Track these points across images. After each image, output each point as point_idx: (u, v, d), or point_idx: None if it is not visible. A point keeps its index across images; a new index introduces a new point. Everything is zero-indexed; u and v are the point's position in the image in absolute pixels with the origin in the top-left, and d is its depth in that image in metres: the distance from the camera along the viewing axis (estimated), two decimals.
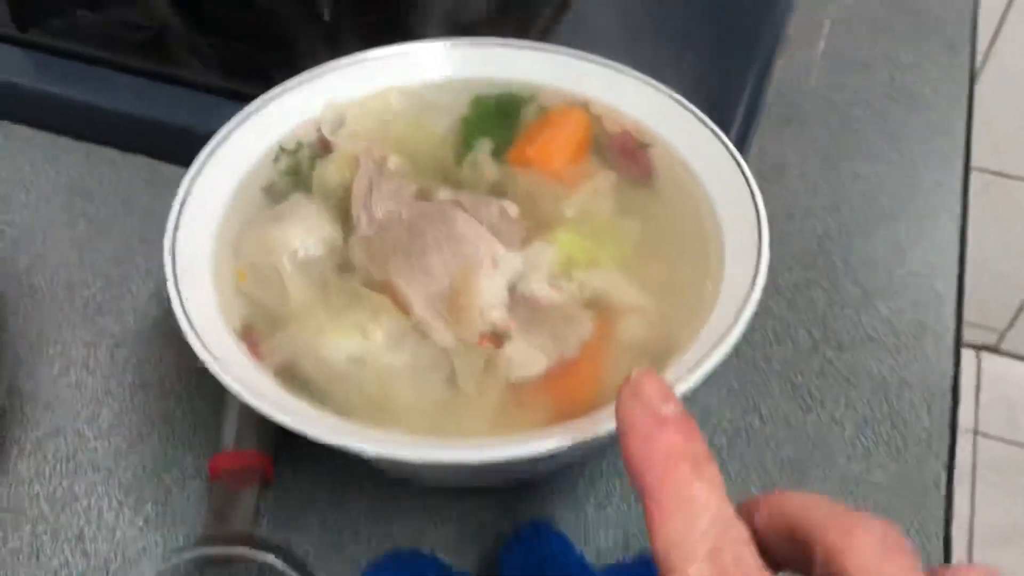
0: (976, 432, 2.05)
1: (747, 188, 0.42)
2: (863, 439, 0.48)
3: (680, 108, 0.47)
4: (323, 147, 0.47)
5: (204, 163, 0.44)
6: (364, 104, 0.48)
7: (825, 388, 0.50)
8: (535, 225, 0.44)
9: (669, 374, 0.36)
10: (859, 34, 0.73)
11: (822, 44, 0.72)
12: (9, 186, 0.59)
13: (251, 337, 0.40)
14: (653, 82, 0.48)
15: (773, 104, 0.67)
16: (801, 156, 0.63)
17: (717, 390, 0.50)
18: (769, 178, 0.61)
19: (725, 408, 0.49)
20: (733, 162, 0.44)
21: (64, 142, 0.62)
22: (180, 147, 0.58)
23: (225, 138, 0.45)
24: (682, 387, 0.34)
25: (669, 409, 0.30)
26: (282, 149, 0.47)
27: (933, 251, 0.57)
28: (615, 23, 0.65)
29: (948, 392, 0.50)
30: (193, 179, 0.43)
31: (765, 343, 0.52)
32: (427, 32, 0.51)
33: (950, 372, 0.51)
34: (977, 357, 2.21)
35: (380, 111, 0.48)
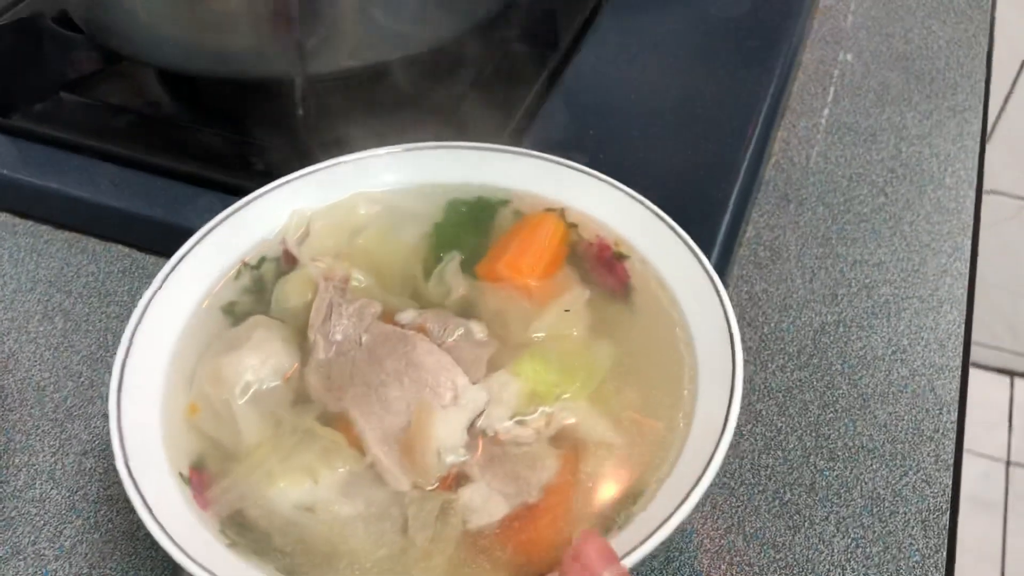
0: (1008, 462, 1.99)
1: (723, 315, 0.40)
2: (853, 563, 0.46)
3: (658, 221, 0.45)
4: (288, 260, 0.46)
5: (163, 282, 0.43)
6: (331, 213, 0.47)
7: (815, 504, 0.48)
8: (503, 347, 0.42)
9: (624, 537, 0.34)
10: (866, 101, 0.70)
11: (826, 112, 0.69)
12: None
13: (200, 477, 0.38)
14: (631, 192, 0.46)
15: (772, 181, 0.65)
16: (800, 239, 0.61)
17: (699, 506, 0.47)
18: (765, 264, 0.59)
19: (708, 526, 0.47)
20: (710, 283, 0.42)
21: (46, 230, 0.61)
22: (160, 238, 0.57)
23: (187, 254, 0.44)
24: (633, 558, 0.32)
25: (609, 573, 0.31)
26: (244, 264, 0.46)
27: (936, 348, 0.54)
28: (593, 118, 0.63)
29: (946, 511, 0.48)
30: (150, 300, 0.42)
31: (753, 452, 0.50)
32: (398, 135, 0.50)
33: (948, 486, 0.49)
34: (1011, 383, 2.16)
35: (347, 220, 0.47)
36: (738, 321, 0.41)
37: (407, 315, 0.43)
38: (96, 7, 0.64)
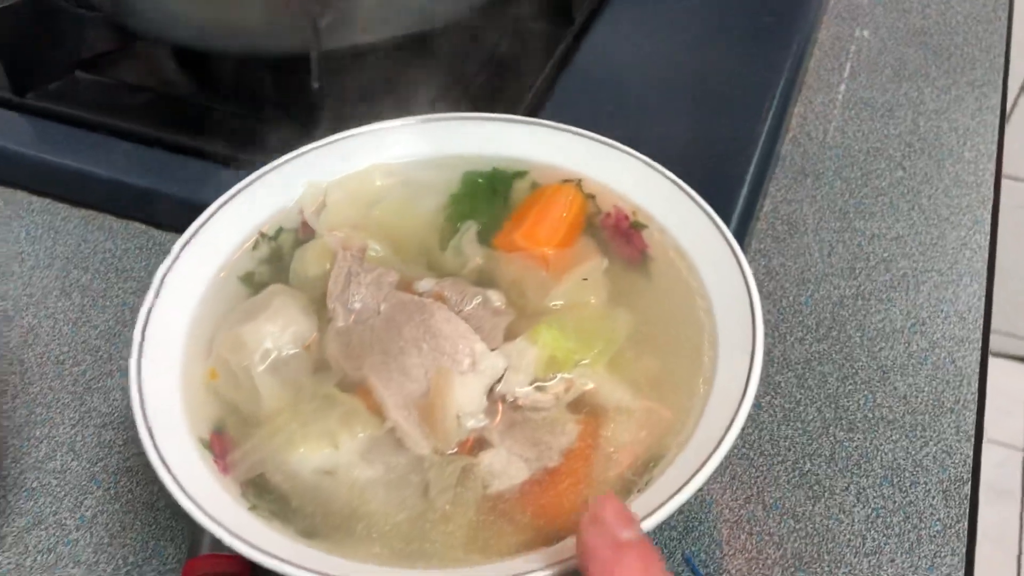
0: None
1: (743, 282, 0.40)
2: (874, 533, 0.45)
3: (677, 190, 0.44)
4: (305, 231, 0.46)
5: (180, 252, 0.43)
6: (347, 184, 0.47)
7: (834, 475, 0.48)
8: (521, 315, 0.42)
9: (645, 500, 0.34)
10: (883, 76, 0.70)
11: (842, 88, 0.69)
12: (5, 257, 0.58)
13: (221, 443, 0.38)
14: (649, 161, 0.46)
15: (789, 155, 0.64)
16: (817, 213, 0.60)
17: (719, 476, 0.48)
18: (783, 237, 0.58)
19: (727, 496, 0.47)
20: (730, 251, 0.42)
21: (63, 208, 0.61)
22: (176, 214, 0.57)
23: (203, 225, 0.44)
24: (655, 519, 0.32)
25: (628, 534, 0.30)
26: (262, 235, 0.46)
27: (956, 321, 0.54)
28: (608, 94, 0.63)
29: (967, 480, 0.47)
30: (168, 269, 0.42)
31: (772, 424, 0.50)
32: (414, 110, 0.49)
33: (969, 457, 0.48)
34: None
35: (364, 191, 0.47)
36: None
37: (425, 284, 0.43)
38: None
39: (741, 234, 0.55)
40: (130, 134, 0.60)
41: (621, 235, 0.46)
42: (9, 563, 0.45)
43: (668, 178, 0.45)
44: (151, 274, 0.57)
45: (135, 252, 0.58)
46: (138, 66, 0.64)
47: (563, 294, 0.43)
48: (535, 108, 0.61)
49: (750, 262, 0.56)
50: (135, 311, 0.55)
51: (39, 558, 0.45)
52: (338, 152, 0.47)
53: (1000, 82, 0.70)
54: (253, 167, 0.51)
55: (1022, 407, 2.07)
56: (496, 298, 0.42)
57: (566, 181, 0.48)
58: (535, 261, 0.44)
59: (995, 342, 2.03)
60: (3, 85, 0.63)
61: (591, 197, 0.47)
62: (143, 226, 0.60)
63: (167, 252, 0.55)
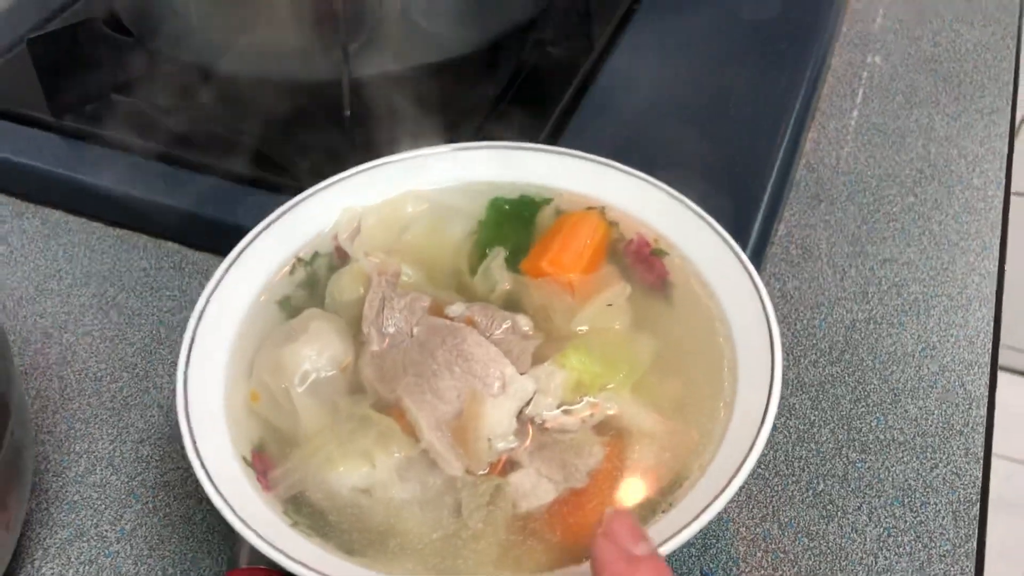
0: None
1: (762, 309, 0.42)
2: (885, 552, 0.47)
3: (697, 219, 0.46)
4: (340, 256, 0.48)
5: (223, 276, 0.45)
6: (380, 210, 0.49)
7: (847, 495, 0.49)
8: (548, 339, 0.44)
9: (669, 521, 0.36)
10: (894, 103, 0.72)
11: (855, 114, 0.71)
12: (44, 275, 0.60)
13: (262, 461, 0.40)
14: (670, 190, 0.47)
15: (803, 181, 0.66)
16: (830, 238, 0.62)
17: (736, 496, 0.49)
18: (797, 262, 0.60)
19: (743, 515, 0.49)
20: (750, 281, 0.43)
21: (98, 227, 0.63)
22: (209, 235, 0.59)
23: (244, 250, 0.46)
24: (677, 540, 0.34)
25: (641, 549, 0.31)
26: (299, 260, 0.47)
27: (966, 345, 0.56)
28: (627, 118, 0.65)
29: (976, 501, 0.49)
30: (211, 294, 0.44)
31: (787, 444, 0.51)
32: (439, 133, 0.51)
33: (978, 479, 0.50)
34: None
35: (396, 217, 0.49)
36: None
37: (456, 308, 0.45)
38: (144, 10, 0.66)
39: (757, 258, 0.57)
40: (163, 156, 0.62)
41: (643, 262, 0.48)
42: (52, 573, 0.47)
43: (689, 207, 0.47)
44: (184, 293, 0.59)
45: (169, 271, 0.60)
46: (172, 88, 0.66)
47: (588, 319, 0.44)
48: (557, 132, 0.63)
49: (765, 286, 0.59)
50: (170, 329, 0.57)
51: (81, 569, 0.47)
52: (372, 179, 0.49)
53: (1009, 109, 0.72)
54: (284, 190, 0.54)
55: None
56: (524, 323, 0.44)
57: (590, 208, 0.50)
58: (561, 287, 0.46)
59: (1004, 356, 2.04)
60: (41, 107, 0.65)
61: (614, 224, 0.49)
62: (176, 245, 0.62)
63: (200, 271, 0.57)
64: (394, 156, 0.50)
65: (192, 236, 0.61)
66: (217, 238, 0.56)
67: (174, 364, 0.54)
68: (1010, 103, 0.73)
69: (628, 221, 0.48)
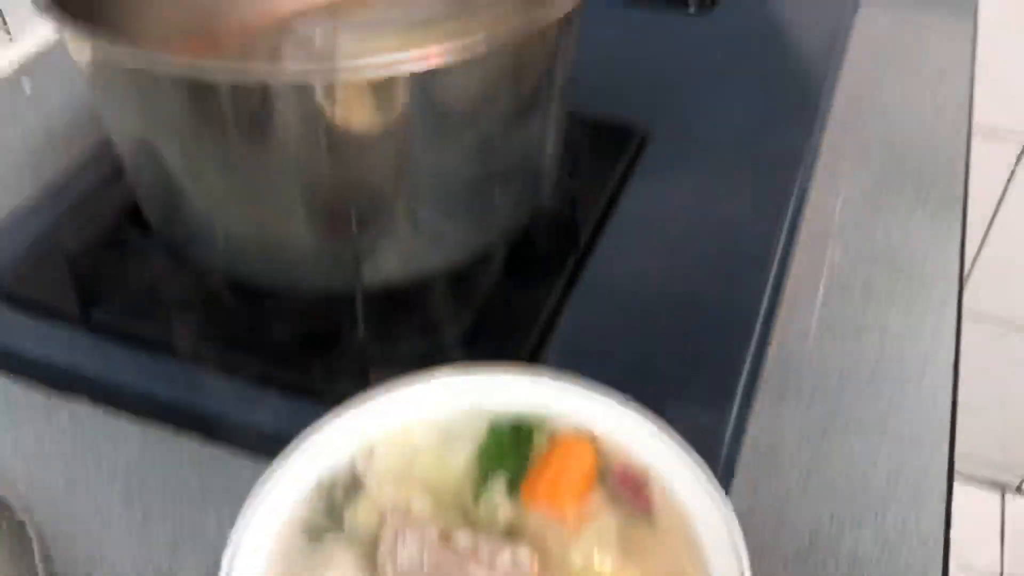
0: None
1: (731, 539, 0.48)
2: None
3: (678, 450, 0.52)
4: (356, 484, 0.53)
5: (249, 512, 0.50)
6: (391, 439, 0.54)
7: None
8: (544, 569, 0.49)
9: None
10: (853, 298, 0.79)
11: (816, 311, 0.78)
12: (73, 470, 0.65)
13: None
14: (657, 422, 0.53)
15: (770, 376, 0.72)
16: (796, 436, 0.68)
17: None
18: (765, 463, 0.66)
19: None
20: (722, 512, 0.49)
21: (123, 423, 0.68)
22: (231, 434, 0.65)
23: (267, 481, 0.51)
24: None
25: None
26: (318, 487, 0.53)
27: (919, 548, 0.61)
28: (603, 332, 0.72)
29: None
30: (242, 529, 0.49)
31: None
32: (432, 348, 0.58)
33: None
34: (1001, 497, 2.22)
35: (406, 445, 0.54)
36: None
37: (463, 538, 0.50)
38: (167, 215, 0.72)
39: (729, 467, 0.63)
40: (190, 356, 0.68)
41: (629, 488, 0.53)
42: None
43: (674, 441, 0.53)
44: (204, 488, 0.64)
45: (191, 467, 0.65)
46: (194, 288, 0.72)
47: (582, 549, 0.50)
48: (542, 344, 0.69)
49: (733, 493, 0.64)
50: (194, 525, 0.62)
51: None
52: (384, 408, 0.55)
53: (955, 302, 0.79)
54: (302, 392, 0.61)
55: (997, 533, 2.14)
56: (523, 554, 0.49)
57: (580, 431, 0.55)
58: (555, 514, 0.52)
59: (968, 467, 2.13)
60: (71, 304, 0.71)
61: (602, 453, 0.54)
62: (200, 440, 0.67)
63: (220, 464, 0.62)
64: (399, 383, 0.55)
65: (214, 433, 0.66)
66: (239, 436, 0.62)
67: (198, 565, 0.59)
68: (956, 295, 0.80)
69: (616, 449, 0.54)
